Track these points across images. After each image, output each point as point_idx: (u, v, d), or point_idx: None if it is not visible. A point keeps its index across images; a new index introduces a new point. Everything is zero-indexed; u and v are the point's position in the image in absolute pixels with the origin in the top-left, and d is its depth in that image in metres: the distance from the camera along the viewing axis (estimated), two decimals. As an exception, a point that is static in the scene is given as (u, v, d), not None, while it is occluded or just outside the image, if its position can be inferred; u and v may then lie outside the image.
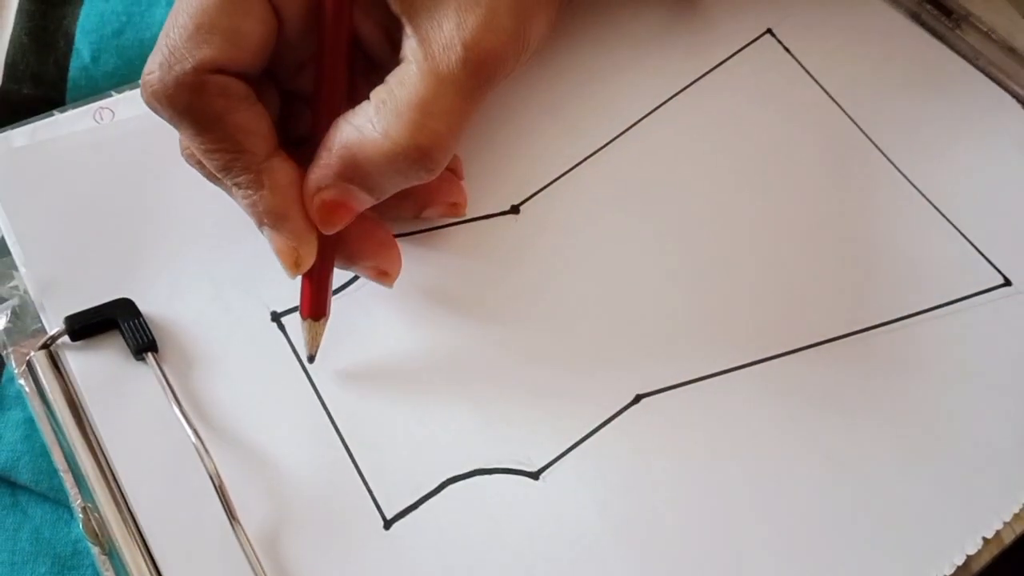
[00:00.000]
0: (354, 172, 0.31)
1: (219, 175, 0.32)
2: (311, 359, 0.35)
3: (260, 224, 0.33)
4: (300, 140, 0.34)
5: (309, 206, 0.32)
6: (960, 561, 0.34)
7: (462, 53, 0.31)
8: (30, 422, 0.35)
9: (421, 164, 0.31)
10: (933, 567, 0.34)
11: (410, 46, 0.31)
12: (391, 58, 0.32)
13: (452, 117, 0.31)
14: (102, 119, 0.41)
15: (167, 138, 0.40)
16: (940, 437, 0.36)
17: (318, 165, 0.32)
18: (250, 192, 0.32)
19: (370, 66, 0.34)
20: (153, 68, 0.31)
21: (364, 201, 0.32)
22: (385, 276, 0.36)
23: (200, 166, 0.34)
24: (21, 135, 0.40)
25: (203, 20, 0.30)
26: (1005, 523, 0.35)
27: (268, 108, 0.32)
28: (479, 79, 0.31)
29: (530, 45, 0.34)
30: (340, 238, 0.33)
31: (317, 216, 0.32)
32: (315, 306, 0.34)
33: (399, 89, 0.31)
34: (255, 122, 0.31)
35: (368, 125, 0.31)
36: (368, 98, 0.31)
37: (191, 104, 0.30)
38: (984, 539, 0.34)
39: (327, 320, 0.35)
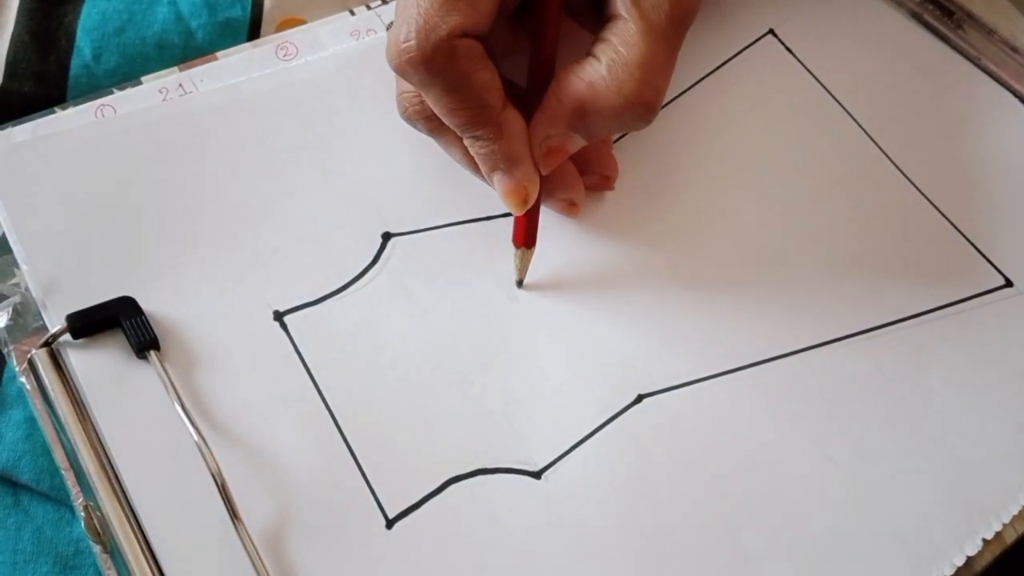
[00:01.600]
0: (582, 122, 0.35)
1: (460, 129, 0.35)
2: (520, 284, 0.38)
3: (493, 169, 0.36)
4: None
5: (536, 150, 0.36)
6: (961, 561, 0.34)
7: (669, 9, 0.34)
8: (31, 421, 0.35)
9: (644, 116, 0.35)
10: (934, 567, 0.34)
11: (624, 4, 0.34)
12: (585, 12, 0.37)
13: (667, 70, 0.35)
14: (103, 116, 0.41)
15: (169, 134, 0.40)
16: (941, 438, 0.36)
17: (548, 115, 0.35)
18: (490, 142, 0.35)
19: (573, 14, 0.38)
20: (409, 37, 0.33)
21: (579, 144, 0.36)
22: (573, 206, 0.39)
23: (426, 122, 0.37)
24: (22, 132, 0.40)
25: None
26: (1005, 524, 0.35)
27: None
28: (681, 31, 0.35)
29: None
30: (542, 177, 0.37)
31: (542, 160, 0.36)
32: (529, 236, 0.38)
33: (624, 48, 0.34)
34: (492, 78, 0.34)
35: (601, 82, 0.34)
36: (591, 54, 0.35)
37: (445, 67, 0.33)
38: (985, 540, 0.35)
39: (535, 249, 0.38)
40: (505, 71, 0.36)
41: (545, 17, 0.36)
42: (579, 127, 0.35)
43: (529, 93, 0.36)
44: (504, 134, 0.35)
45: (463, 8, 0.33)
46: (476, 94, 0.34)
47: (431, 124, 0.37)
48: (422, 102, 0.36)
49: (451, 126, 0.35)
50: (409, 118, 0.38)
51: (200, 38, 0.44)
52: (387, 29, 0.43)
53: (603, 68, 0.34)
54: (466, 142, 0.36)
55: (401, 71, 0.34)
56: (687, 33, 0.36)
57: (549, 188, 0.38)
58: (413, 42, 0.33)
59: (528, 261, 0.38)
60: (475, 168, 0.37)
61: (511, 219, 0.38)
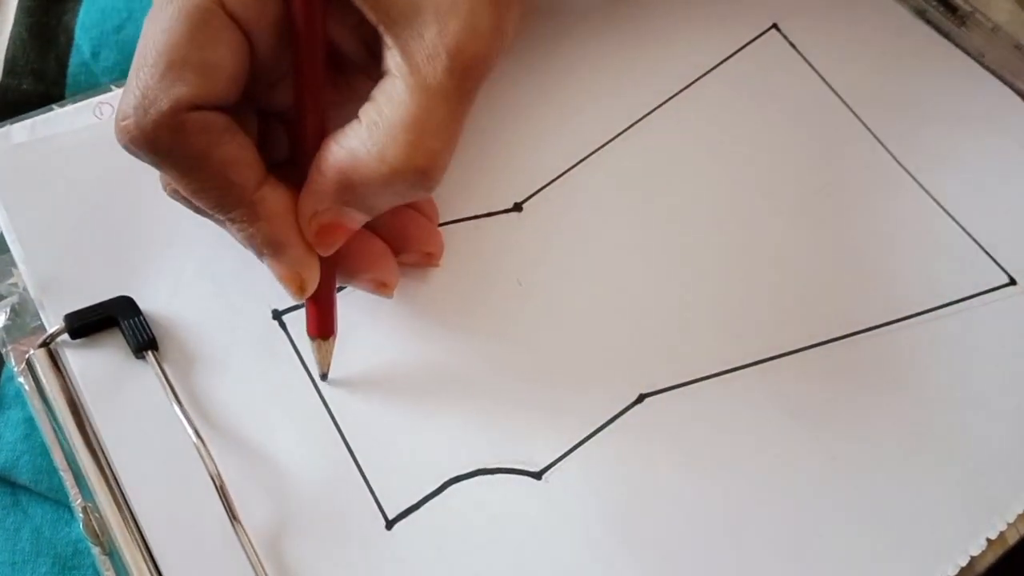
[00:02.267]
0: (350, 195, 0.31)
1: (213, 213, 0.31)
2: (324, 377, 0.35)
3: (260, 256, 0.32)
4: (281, 161, 0.33)
5: (306, 230, 0.32)
6: (964, 562, 0.34)
7: (447, 62, 0.29)
8: (30, 421, 0.35)
9: (419, 184, 0.30)
10: (937, 568, 0.34)
11: (393, 59, 0.30)
12: (370, 63, 0.31)
13: (446, 131, 0.30)
14: (102, 114, 0.40)
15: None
16: (944, 437, 0.36)
17: (311, 190, 0.31)
18: (245, 225, 0.31)
19: (349, 68, 0.33)
20: (128, 113, 0.29)
21: (359, 220, 0.32)
22: (384, 287, 0.36)
23: (187, 203, 0.33)
24: (20, 130, 0.39)
25: (173, 57, 0.29)
26: (1009, 524, 0.35)
27: (249, 134, 0.31)
28: (467, 85, 0.30)
29: (508, 38, 0.32)
30: (338, 255, 0.33)
31: (315, 240, 0.32)
32: (322, 326, 0.34)
33: (388, 108, 0.30)
34: (240, 153, 0.30)
35: (362, 148, 0.30)
36: (357, 116, 0.30)
37: (172, 146, 0.29)
38: (988, 540, 0.34)
39: (335, 338, 0.35)
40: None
41: (304, 77, 0.31)
42: (349, 201, 0.31)
43: (294, 166, 0.32)
44: (261, 215, 0.31)
45: (189, 77, 0.29)
46: (217, 172, 0.30)
47: (192, 206, 0.33)
48: (172, 185, 0.32)
49: (203, 208, 0.31)
50: (171, 196, 0.33)
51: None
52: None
53: (364, 132, 0.30)
54: (224, 224, 0.32)
55: (126, 149, 0.30)
56: (483, 84, 0.31)
57: (350, 269, 0.35)
58: (131, 120, 0.29)
59: (328, 353, 0.35)
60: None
61: (515, 215, 0.38)
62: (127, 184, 0.39)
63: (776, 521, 0.34)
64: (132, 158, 0.39)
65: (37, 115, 0.40)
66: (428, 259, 0.37)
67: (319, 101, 0.31)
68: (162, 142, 0.29)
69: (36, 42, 0.43)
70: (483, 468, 0.35)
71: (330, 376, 0.36)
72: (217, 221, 0.32)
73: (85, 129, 0.40)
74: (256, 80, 0.31)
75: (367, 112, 0.30)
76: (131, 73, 0.30)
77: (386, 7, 0.30)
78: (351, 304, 0.37)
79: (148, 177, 0.39)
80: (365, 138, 0.30)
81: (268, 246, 0.31)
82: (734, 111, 0.43)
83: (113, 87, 0.41)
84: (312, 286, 0.32)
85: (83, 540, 0.34)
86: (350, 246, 0.33)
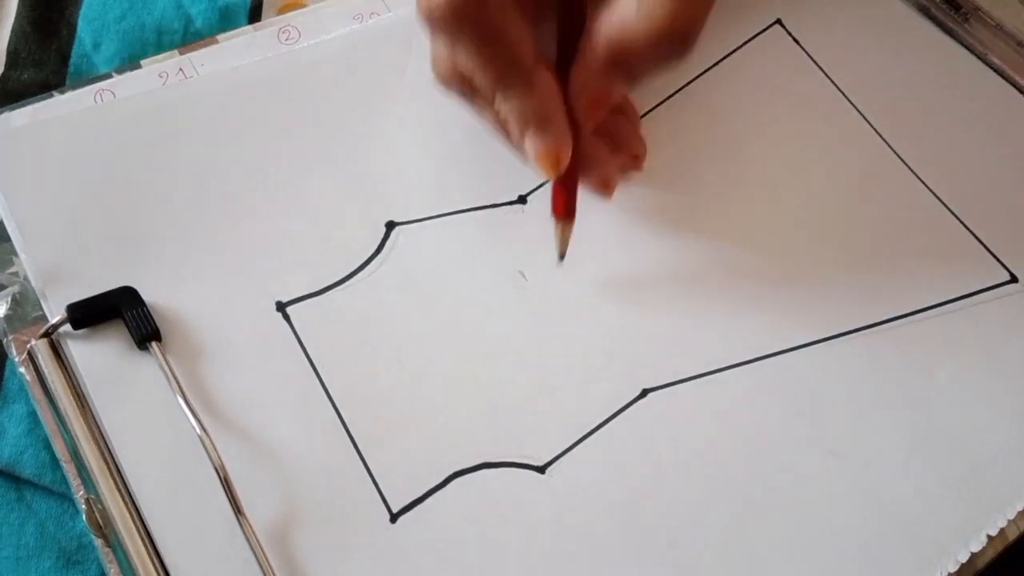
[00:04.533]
0: (619, 61, 0.34)
1: (491, 85, 0.34)
2: (562, 257, 0.38)
3: (524, 129, 0.35)
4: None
5: (577, 101, 0.35)
6: (965, 558, 0.34)
7: None
8: (34, 415, 0.35)
9: (682, 47, 0.33)
10: (937, 564, 0.34)
11: None
12: None
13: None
14: (102, 100, 0.40)
15: (169, 119, 0.39)
16: (945, 434, 0.36)
17: (584, 64, 0.34)
18: (521, 98, 0.34)
19: None
20: None
21: (622, 91, 0.36)
22: (607, 186, 0.38)
23: (460, 84, 0.36)
24: (20, 116, 0.39)
25: None
26: (1010, 520, 0.35)
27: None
28: None
29: None
30: (577, 151, 0.36)
31: (585, 111, 0.35)
32: (568, 207, 0.37)
33: None
34: (523, 33, 0.34)
35: (632, 17, 0.33)
36: None
37: (475, 18, 0.32)
38: (989, 536, 0.35)
39: (575, 222, 0.37)
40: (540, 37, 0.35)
41: None
42: (617, 71, 0.34)
43: (562, 51, 0.36)
44: (536, 90, 0.34)
45: None
46: (506, 48, 0.33)
47: (465, 87, 0.36)
48: (455, 63, 0.35)
49: (482, 85, 0.35)
50: (444, 80, 0.36)
51: (199, 24, 0.43)
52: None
53: (632, 3, 0.33)
54: (497, 101, 0.35)
55: (431, 24, 0.33)
56: None
57: (584, 164, 0.37)
58: None
59: (568, 234, 0.37)
60: (506, 136, 0.36)
61: (519, 207, 0.38)
62: (129, 171, 0.38)
63: (777, 515, 0.34)
64: (133, 143, 0.39)
65: (36, 101, 0.39)
66: (635, 162, 0.40)
67: None
68: (468, 15, 0.32)
69: (38, 34, 0.43)
70: (487, 462, 0.35)
71: (326, 357, 0.36)
72: (478, 105, 0.36)
73: (86, 112, 0.39)
74: None
75: None
76: None
77: None
78: (358, 294, 0.37)
79: (151, 162, 0.39)
80: (634, 7, 0.33)
81: (537, 119, 0.35)
82: (737, 105, 0.43)
83: (114, 74, 0.41)
84: (566, 162, 0.35)
85: (87, 534, 0.33)
86: (585, 141, 0.36)
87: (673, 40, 0.33)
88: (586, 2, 0.35)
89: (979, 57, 0.45)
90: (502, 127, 0.36)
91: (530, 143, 0.35)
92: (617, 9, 0.33)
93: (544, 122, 0.35)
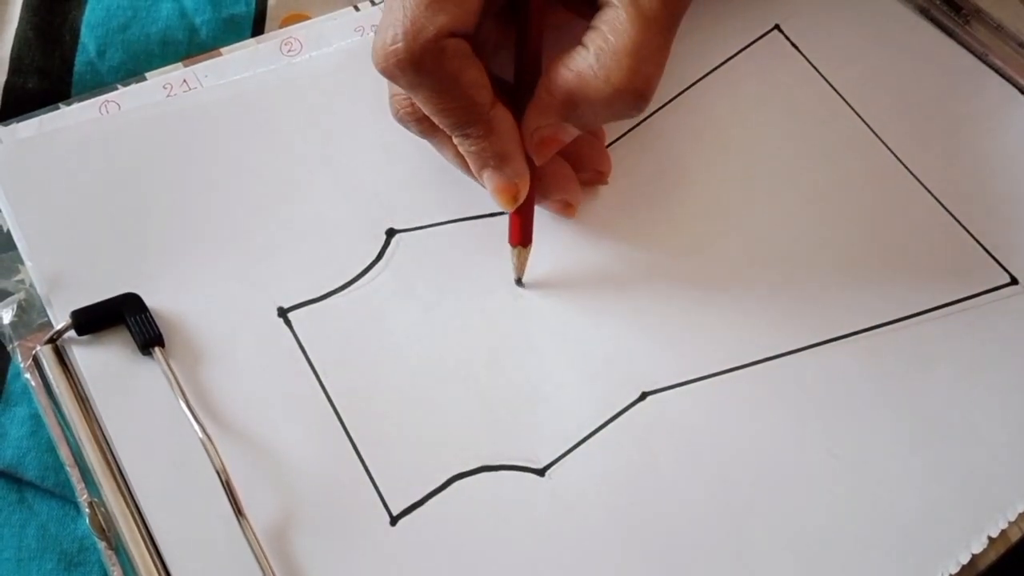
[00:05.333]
0: (573, 111, 0.35)
1: (449, 129, 0.35)
2: (519, 282, 0.38)
3: (483, 167, 0.36)
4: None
5: (528, 141, 0.36)
6: (966, 560, 0.34)
7: None
8: (36, 418, 0.35)
9: (635, 104, 0.34)
10: (939, 565, 0.34)
11: None
12: None
13: (660, 57, 0.34)
14: (108, 112, 0.41)
15: (173, 130, 0.40)
16: (946, 435, 0.36)
17: (538, 106, 0.35)
18: (480, 139, 0.35)
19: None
20: (397, 39, 0.33)
21: (572, 134, 0.36)
22: (569, 207, 0.39)
23: (417, 124, 0.37)
24: (27, 128, 0.40)
25: None
26: (1011, 522, 0.35)
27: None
28: (675, 17, 0.35)
29: None
30: (536, 177, 0.37)
31: (535, 149, 0.36)
32: (524, 235, 0.38)
33: (613, 36, 0.34)
34: (480, 76, 0.34)
35: (589, 72, 0.34)
36: (581, 43, 0.35)
37: (434, 67, 0.33)
38: (990, 538, 0.34)
39: (531, 248, 0.38)
40: (495, 67, 0.36)
41: (530, 10, 0.36)
42: (570, 117, 0.35)
43: (518, 87, 0.37)
44: (494, 131, 0.35)
45: (450, 8, 0.33)
46: (465, 93, 0.34)
47: (423, 126, 0.37)
48: (413, 104, 0.36)
49: (441, 126, 0.35)
50: (401, 120, 0.38)
51: (204, 34, 0.44)
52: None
53: (591, 57, 0.34)
54: (456, 141, 0.36)
55: (389, 74, 0.34)
56: (682, 19, 0.35)
57: (544, 189, 0.38)
58: (401, 44, 0.33)
59: (525, 260, 0.38)
60: (467, 168, 0.37)
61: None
62: (133, 180, 0.39)
63: (778, 517, 0.34)
64: (138, 154, 0.40)
65: (43, 113, 0.40)
66: (599, 177, 0.40)
67: (539, 32, 0.36)
68: (426, 65, 0.33)
69: (41, 41, 0.43)
70: (487, 465, 0.35)
71: (328, 362, 0.36)
72: (435, 141, 0.38)
73: (91, 124, 0.40)
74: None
75: (593, 39, 0.34)
76: (390, 4, 0.34)
77: None
78: (357, 300, 0.37)
79: (155, 173, 0.39)
80: (593, 62, 0.34)
81: (495, 158, 0.36)
82: (736, 111, 0.43)
83: (119, 86, 0.41)
84: (523, 196, 0.37)
85: (89, 536, 0.34)
86: (545, 169, 0.37)
87: (627, 98, 0.34)
88: (540, 44, 0.36)
89: (979, 58, 0.44)
90: (462, 163, 0.37)
91: (488, 179, 0.36)
92: (575, 61, 0.34)
93: (502, 160, 0.36)
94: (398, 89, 0.37)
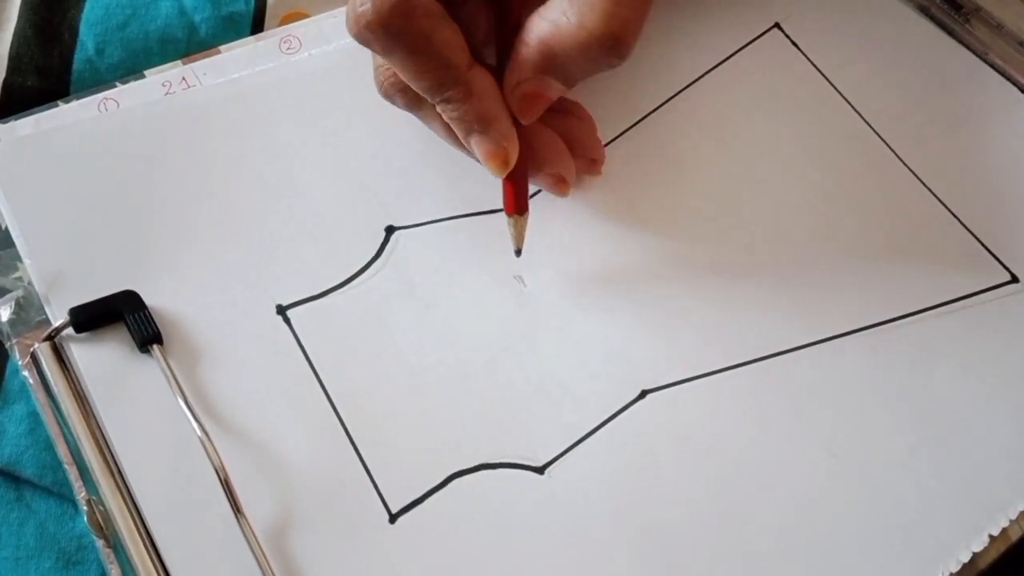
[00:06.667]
0: (551, 63, 0.34)
1: (429, 94, 0.34)
2: (518, 253, 0.38)
3: (469, 133, 0.35)
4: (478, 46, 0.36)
5: (510, 99, 0.35)
6: (966, 558, 0.34)
7: None
8: (34, 416, 0.35)
9: (614, 51, 0.33)
10: (939, 564, 0.34)
11: None
12: None
13: (638, 2, 0.33)
14: (106, 109, 0.41)
15: (172, 128, 0.40)
16: (946, 434, 0.36)
17: (516, 61, 0.34)
18: (459, 103, 0.34)
19: None
20: (365, 2, 0.32)
21: (558, 90, 0.35)
22: (562, 183, 0.39)
23: (402, 95, 0.37)
24: (25, 125, 0.40)
25: None
26: (1012, 520, 0.35)
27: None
28: None
29: None
30: (528, 147, 0.36)
31: (518, 107, 0.35)
32: (519, 203, 0.37)
33: None
34: (455, 37, 0.33)
35: (563, 18, 0.33)
36: None
37: (403, 28, 0.32)
38: (991, 536, 0.34)
39: (528, 216, 0.37)
40: (489, 57, 0.36)
41: None
42: (549, 69, 0.34)
43: (498, 50, 0.36)
44: (474, 92, 0.34)
45: None
46: (438, 53, 0.33)
47: (407, 97, 0.37)
48: (395, 74, 0.36)
49: (421, 92, 0.35)
50: (386, 93, 0.37)
51: (203, 32, 0.44)
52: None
53: (565, 3, 0.33)
54: (439, 109, 0.35)
55: (361, 38, 0.33)
56: None
57: (536, 161, 0.38)
58: (368, 6, 0.32)
59: (523, 228, 0.38)
60: (457, 142, 0.37)
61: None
62: (132, 177, 0.39)
63: (777, 516, 0.34)
64: (136, 152, 0.39)
65: (41, 111, 0.40)
66: (592, 166, 0.40)
67: None
68: (394, 25, 0.32)
69: (40, 39, 0.43)
70: (486, 463, 0.35)
71: (327, 360, 0.36)
72: (421, 114, 0.37)
73: (90, 121, 0.40)
74: None
75: None
76: None
77: None
78: (355, 298, 0.37)
79: (154, 170, 0.39)
80: (566, 8, 0.33)
81: (479, 121, 0.35)
82: (736, 109, 0.43)
83: (118, 83, 0.41)
84: (514, 159, 0.36)
85: (87, 535, 0.34)
86: (538, 139, 0.37)
87: (605, 46, 0.33)
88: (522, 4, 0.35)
89: (979, 57, 0.44)
90: (451, 135, 0.37)
91: (476, 145, 0.35)
92: (550, 12, 0.33)
93: (487, 123, 0.35)
94: (381, 60, 0.36)
